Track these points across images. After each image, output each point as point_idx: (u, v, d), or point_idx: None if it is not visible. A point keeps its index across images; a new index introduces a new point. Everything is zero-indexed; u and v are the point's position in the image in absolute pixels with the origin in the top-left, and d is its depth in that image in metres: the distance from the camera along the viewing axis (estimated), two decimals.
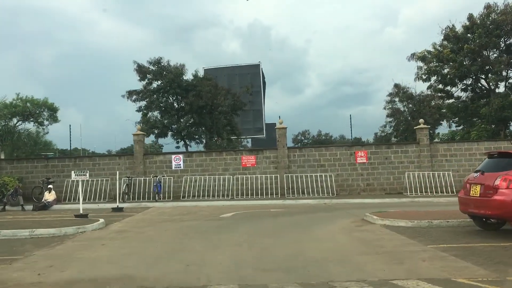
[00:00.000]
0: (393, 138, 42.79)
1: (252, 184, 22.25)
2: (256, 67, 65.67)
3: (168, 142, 37.88)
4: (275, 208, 17.46)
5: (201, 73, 38.01)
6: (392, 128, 44.48)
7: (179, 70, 36.86)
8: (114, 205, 18.17)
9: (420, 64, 29.02)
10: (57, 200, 19.98)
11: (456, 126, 35.56)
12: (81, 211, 14.87)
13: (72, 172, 14.90)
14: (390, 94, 42.48)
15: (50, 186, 19.97)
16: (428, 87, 29.90)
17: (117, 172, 19.31)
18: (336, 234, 10.50)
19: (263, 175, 22.49)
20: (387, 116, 43.41)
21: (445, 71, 27.58)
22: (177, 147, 38.22)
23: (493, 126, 26.05)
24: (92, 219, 13.26)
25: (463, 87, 29.02)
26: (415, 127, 24.09)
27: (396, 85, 42.29)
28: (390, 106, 42.77)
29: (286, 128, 23.17)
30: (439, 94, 30.07)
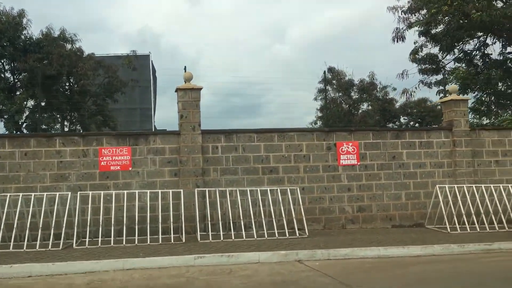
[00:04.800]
0: None
1: (119, 211, 9.76)
2: (145, 58, 52.01)
3: None
4: None
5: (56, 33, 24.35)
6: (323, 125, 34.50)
7: (16, 20, 22.99)
8: None
9: (400, 15, 18.83)
10: None
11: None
12: None
13: None
14: (322, 81, 32.33)
15: None
16: (413, 53, 19.51)
17: None
18: None
19: (148, 191, 10.11)
20: (319, 109, 33.24)
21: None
22: None
23: None
24: None
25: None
26: (440, 101, 13.42)
27: (331, 69, 32.36)
28: (322, 96, 32.62)
29: (200, 89, 11.10)
30: (427, 66, 19.80)
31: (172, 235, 9.50)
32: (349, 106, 31.97)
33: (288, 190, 10.38)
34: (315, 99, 32.84)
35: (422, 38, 18.88)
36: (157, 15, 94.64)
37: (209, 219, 9.97)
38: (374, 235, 10.15)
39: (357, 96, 32.01)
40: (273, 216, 10.07)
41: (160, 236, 9.38)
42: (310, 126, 35.20)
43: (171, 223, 9.69)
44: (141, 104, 50.46)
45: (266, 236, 9.69)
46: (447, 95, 12.98)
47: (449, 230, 10.41)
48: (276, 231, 9.86)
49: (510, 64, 19.00)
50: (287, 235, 9.82)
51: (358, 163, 11.56)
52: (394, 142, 11.77)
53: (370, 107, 31.64)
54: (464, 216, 10.69)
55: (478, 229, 10.44)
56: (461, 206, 10.74)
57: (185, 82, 11.07)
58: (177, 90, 11.01)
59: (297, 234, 9.96)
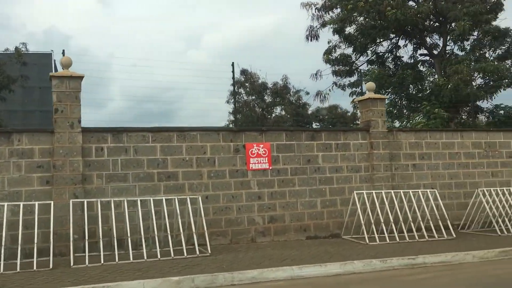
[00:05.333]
0: None
1: None
2: (47, 56, 47.56)
3: None
4: None
5: None
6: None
7: None
8: None
9: (314, 12, 18.11)
10: None
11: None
12: None
13: None
14: (235, 83, 31.02)
15: None
16: (327, 53, 18.74)
17: None
18: None
19: (5, 204, 7.96)
20: (231, 113, 31.88)
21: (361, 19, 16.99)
22: None
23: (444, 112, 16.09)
24: None
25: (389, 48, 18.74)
26: (358, 99, 12.46)
27: (244, 71, 31.27)
28: (233, 100, 31.30)
29: (81, 78, 9.13)
30: (339, 68, 19.13)
31: (35, 260, 7.43)
32: (262, 109, 31.05)
33: (189, 199, 8.77)
34: (227, 102, 31.51)
35: (336, 38, 18.29)
36: (65, 15, 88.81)
37: (87, 237, 8.02)
38: (287, 249, 8.83)
39: (270, 100, 31.19)
40: (169, 231, 8.40)
41: (19, 261, 7.31)
42: None
43: (35, 244, 7.62)
44: (41, 106, 45.93)
45: (159, 256, 7.99)
46: (360, 96, 12.16)
47: (367, 241, 9.40)
48: (171, 249, 8.18)
49: (421, 67, 19.06)
50: (186, 253, 8.19)
51: (270, 168, 10.23)
52: (309, 144, 10.60)
53: (283, 111, 30.97)
54: (383, 224, 9.79)
55: (398, 239, 9.55)
56: (379, 213, 9.83)
57: (63, 69, 9.06)
58: (51, 78, 8.95)
59: (198, 252, 8.34)
